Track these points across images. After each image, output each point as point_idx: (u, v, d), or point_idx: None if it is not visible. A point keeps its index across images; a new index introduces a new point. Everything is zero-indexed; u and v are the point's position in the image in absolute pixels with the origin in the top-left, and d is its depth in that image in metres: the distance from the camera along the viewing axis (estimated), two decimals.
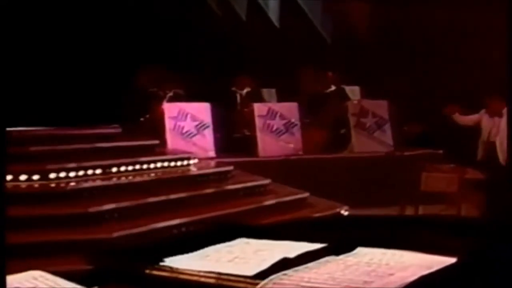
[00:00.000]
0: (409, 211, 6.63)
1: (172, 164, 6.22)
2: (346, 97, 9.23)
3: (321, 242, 1.53)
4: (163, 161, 6.13)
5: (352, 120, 8.63)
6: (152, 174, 5.84)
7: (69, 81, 7.92)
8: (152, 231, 4.75)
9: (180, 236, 2.87)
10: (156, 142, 6.67)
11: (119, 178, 5.56)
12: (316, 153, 8.35)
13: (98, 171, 5.43)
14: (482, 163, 7.33)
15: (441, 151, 8.23)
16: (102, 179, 5.38)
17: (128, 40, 8.51)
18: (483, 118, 7.58)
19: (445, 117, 7.94)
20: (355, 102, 8.98)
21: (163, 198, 5.37)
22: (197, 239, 1.64)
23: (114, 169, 5.55)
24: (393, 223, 1.86)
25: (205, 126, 7.99)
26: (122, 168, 5.67)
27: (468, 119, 7.83)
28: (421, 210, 6.54)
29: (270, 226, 1.97)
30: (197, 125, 7.96)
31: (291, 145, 8.25)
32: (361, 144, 8.53)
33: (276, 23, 10.00)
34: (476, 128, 7.62)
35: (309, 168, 7.83)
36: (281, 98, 9.26)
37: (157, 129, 7.79)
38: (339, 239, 1.57)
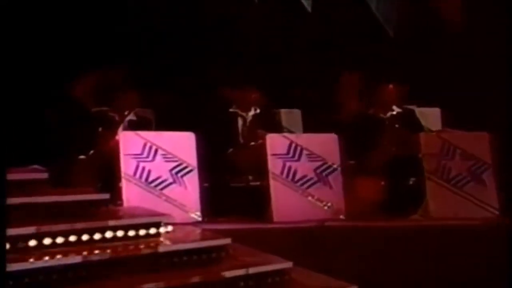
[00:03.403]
0: None
1: (132, 233, 6.09)
2: (417, 125, 9.26)
3: None
4: (117, 228, 6.00)
5: (427, 164, 8.58)
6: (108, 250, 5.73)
7: None
8: None
9: None
10: (105, 196, 6.51)
11: None
12: (366, 217, 8.30)
13: None
14: None
15: None
16: None
17: (61, 32, 8.76)
18: None
19: None
20: (433, 133, 9.05)
21: None
22: None
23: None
24: None
25: (186, 170, 8.01)
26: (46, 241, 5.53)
27: None
28: None
29: None
30: (173, 169, 7.97)
31: (327, 204, 8.22)
32: (443, 204, 8.46)
33: (308, 7, 10.21)
34: None
35: (356, 242, 7.71)
36: (309, 126, 9.35)
37: (107, 173, 7.81)
38: None
